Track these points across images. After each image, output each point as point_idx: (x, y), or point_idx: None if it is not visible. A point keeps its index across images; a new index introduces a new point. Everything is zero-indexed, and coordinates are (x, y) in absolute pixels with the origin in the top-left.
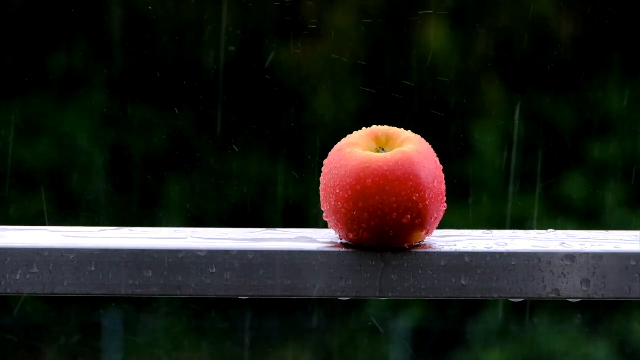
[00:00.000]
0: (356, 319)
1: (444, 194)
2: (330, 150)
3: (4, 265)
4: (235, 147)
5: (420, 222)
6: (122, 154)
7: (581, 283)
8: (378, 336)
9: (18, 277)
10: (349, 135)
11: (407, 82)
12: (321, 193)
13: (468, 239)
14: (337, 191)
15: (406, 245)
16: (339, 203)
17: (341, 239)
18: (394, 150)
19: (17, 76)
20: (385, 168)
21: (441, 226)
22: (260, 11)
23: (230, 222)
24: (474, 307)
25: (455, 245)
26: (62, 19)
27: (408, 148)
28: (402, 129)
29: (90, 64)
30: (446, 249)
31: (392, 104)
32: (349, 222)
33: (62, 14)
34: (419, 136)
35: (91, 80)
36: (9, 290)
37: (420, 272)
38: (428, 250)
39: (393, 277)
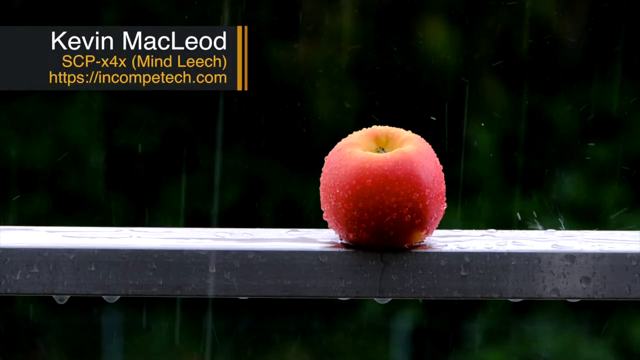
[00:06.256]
0: (356, 319)
1: (444, 194)
2: (330, 150)
3: (4, 265)
4: (234, 146)
5: (420, 222)
6: (121, 154)
7: (581, 283)
8: (378, 336)
9: (18, 277)
10: (349, 135)
11: (406, 82)
12: (321, 193)
13: (468, 239)
14: (337, 191)
15: (406, 245)
16: (339, 203)
17: (341, 239)
18: (394, 150)
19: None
20: (385, 168)
21: (441, 226)
22: (260, 9)
23: (229, 222)
24: (473, 307)
25: (455, 245)
26: (59, 15)
27: (408, 148)
28: (402, 129)
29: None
30: (446, 249)
31: (392, 103)
32: (349, 222)
33: (59, 10)
34: (419, 136)
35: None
36: (9, 290)
37: (420, 272)
38: (428, 250)
39: (393, 277)
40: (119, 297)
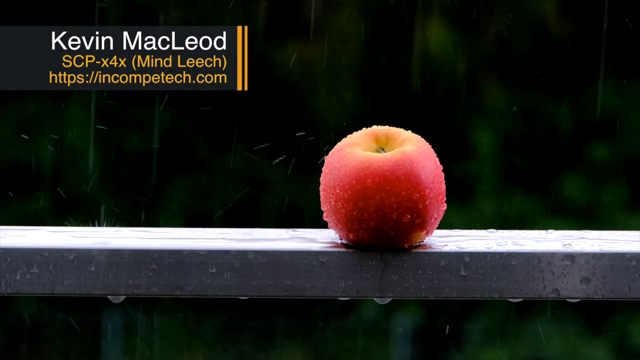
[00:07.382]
0: (356, 318)
1: (444, 194)
2: (330, 151)
3: (4, 265)
4: (234, 146)
5: (420, 222)
6: (121, 154)
7: (581, 283)
8: (378, 336)
9: (18, 277)
10: (349, 135)
11: (406, 82)
12: (321, 193)
13: (468, 239)
14: (337, 191)
15: (406, 245)
16: (339, 203)
17: (341, 239)
18: (394, 150)
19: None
20: (385, 168)
21: (441, 226)
22: (260, 9)
23: (229, 222)
24: (473, 307)
25: (455, 245)
26: (58, 13)
27: (408, 148)
28: (402, 129)
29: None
30: (446, 249)
31: (392, 104)
32: (349, 222)
33: (58, 9)
34: (419, 136)
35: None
36: (9, 290)
37: (420, 272)
38: (428, 250)
39: (393, 277)
40: (124, 297)
